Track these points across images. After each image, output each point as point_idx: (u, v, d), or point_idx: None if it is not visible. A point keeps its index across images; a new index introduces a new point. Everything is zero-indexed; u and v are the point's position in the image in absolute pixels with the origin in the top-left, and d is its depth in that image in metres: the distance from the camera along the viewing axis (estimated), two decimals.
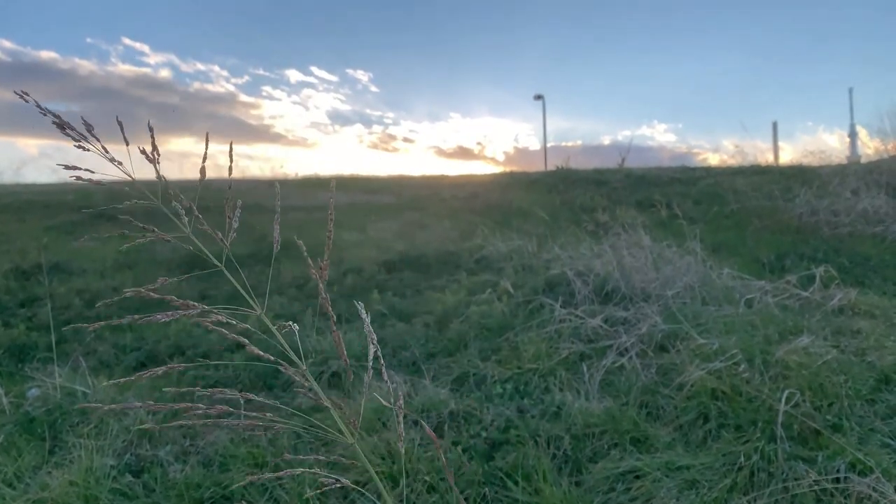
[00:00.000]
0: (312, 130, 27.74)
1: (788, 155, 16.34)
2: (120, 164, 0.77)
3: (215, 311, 0.74)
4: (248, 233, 8.27)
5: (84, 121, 0.76)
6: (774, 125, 16.45)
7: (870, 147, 13.46)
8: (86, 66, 26.03)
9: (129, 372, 3.54)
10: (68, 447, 2.53)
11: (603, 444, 2.42)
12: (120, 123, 0.75)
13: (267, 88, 27.91)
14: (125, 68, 26.43)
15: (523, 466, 2.24)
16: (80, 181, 0.78)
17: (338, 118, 28.23)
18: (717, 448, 2.32)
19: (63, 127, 0.74)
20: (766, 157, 14.88)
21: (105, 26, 27.58)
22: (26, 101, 0.72)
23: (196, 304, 0.74)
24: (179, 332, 4.03)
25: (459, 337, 3.73)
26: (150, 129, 0.80)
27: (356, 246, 6.93)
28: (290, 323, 0.77)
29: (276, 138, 27.08)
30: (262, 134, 27.39)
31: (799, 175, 10.49)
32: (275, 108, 26.98)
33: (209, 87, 27.38)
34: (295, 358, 0.75)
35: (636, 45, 28.37)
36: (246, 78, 27.66)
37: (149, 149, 0.77)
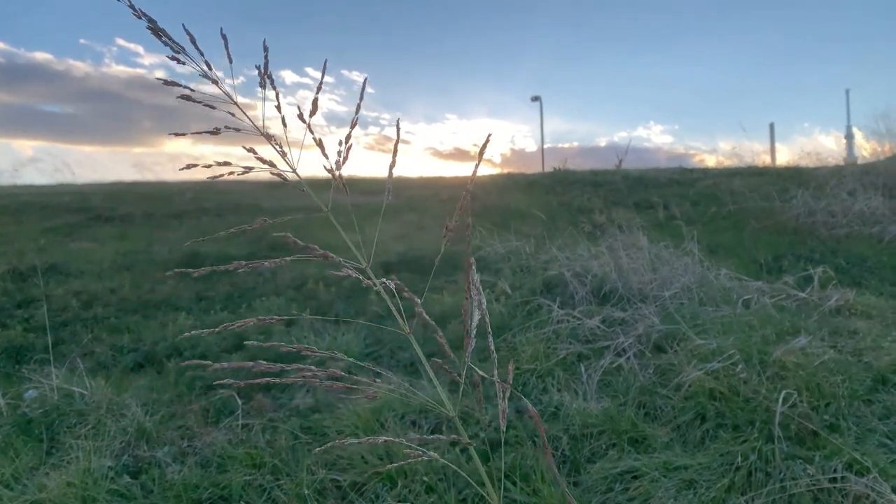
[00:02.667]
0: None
1: (785, 156, 16.35)
2: (283, 154, 0.75)
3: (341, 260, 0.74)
4: (246, 233, 8.27)
5: (186, 30, 0.73)
6: (771, 127, 16.48)
7: (866, 149, 13.49)
8: (80, 67, 25.99)
9: (126, 373, 3.53)
10: (66, 448, 2.52)
11: (601, 445, 2.43)
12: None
13: (261, 89, 27.84)
14: (120, 69, 26.39)
15: (521, 467, 2.24)
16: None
17: (334, 119, 28.18)
18: (714, 448, 2.32)
19: (158, 34, 0.72)
20: (763, 159, 14.90)
21: (99, 27, 27.55)
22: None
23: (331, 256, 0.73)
24: (177, 334, 4.03)
25: (457, 338, 3.73)
26: (314, 102, 0.77)
27: (355, 247, 6.93)
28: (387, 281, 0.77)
29: (273, 138, 27.02)
30: (257, 135, 27.34)
31: (796, 176, 10.51)
32: (270, 109, 26.90)
33: (204, 87, 27.33)
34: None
35: (632, 47, 28.40)
36: (241, 79, 27.59)
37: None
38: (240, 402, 2.93)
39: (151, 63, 26.25)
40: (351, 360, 0.73)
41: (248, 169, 0.75)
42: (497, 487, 0.72)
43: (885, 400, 2.56)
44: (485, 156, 0.79)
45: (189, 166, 0.76)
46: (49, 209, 10.53)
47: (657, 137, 26.13)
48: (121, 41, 25.91)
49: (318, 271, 5.79)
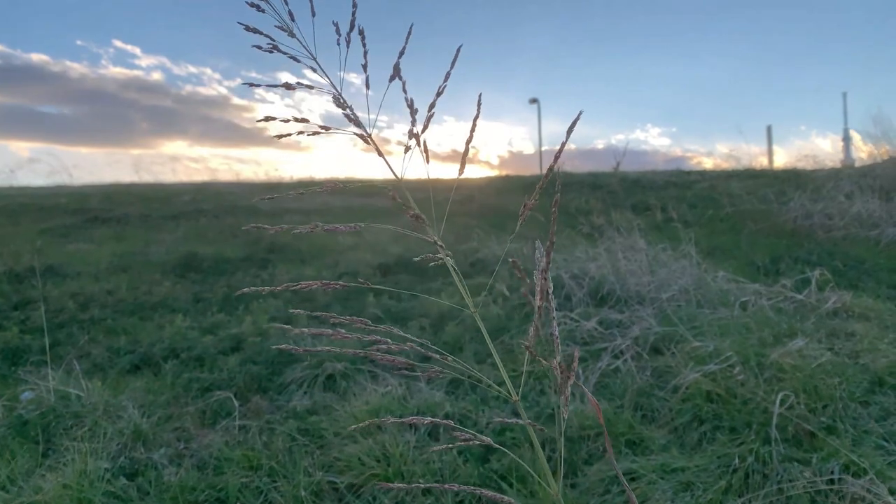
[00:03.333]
0: (304, 137, 27.68)
1: (782, 159, 16.38)
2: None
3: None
4: (244, 235, 8.26)
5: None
6: (769, 129, 16.50)
7: (863, 151, 13.52)
8: (77, 68, 25.97)
9: (123, 375, 3.52)
10: (62, 450, 2.52)
11: (598, 447, 2.42)
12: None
13: (260, 91, 27.87)
14: (117, 71, 26.37)
15: (518, 469, 2.24)
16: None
17: (331, 121, 28.00)
18: (711, 450, 2.32)
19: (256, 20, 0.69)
20: (761, 161, 14.93)
21: (96, 29, 27.53)
22: None
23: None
24: (174, 335, 4.02)
25: (455, 340, 3.73)
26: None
27: (352, 249, 6.93)
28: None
29: (270, 141, 27.03)
30: (255, 137, 27.38)
31: (793, 179, 10.53)
32: (268, 111, 26.91)
33: (201, 89, 27.35)
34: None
35: (629, 49, 28.44)
36: (238, 80, 27.65)
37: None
38: (237, 403, 2.92)
39: (149, 64, 26.25)
40: (419, 345, 0.72)
41: (326, 128, 0.74)
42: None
43: (882, 402, 2.56)
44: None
45: (267, 119, 0.74)
46: (46, 210, 10.52)
47: (654, 140, 26.18)
48: (118, 42, 25.91)
49: (315, 274, 5.79)
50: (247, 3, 0.68)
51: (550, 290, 0.70)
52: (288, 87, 0.74)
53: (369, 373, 3.22)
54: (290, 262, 6.53)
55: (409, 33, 0.75)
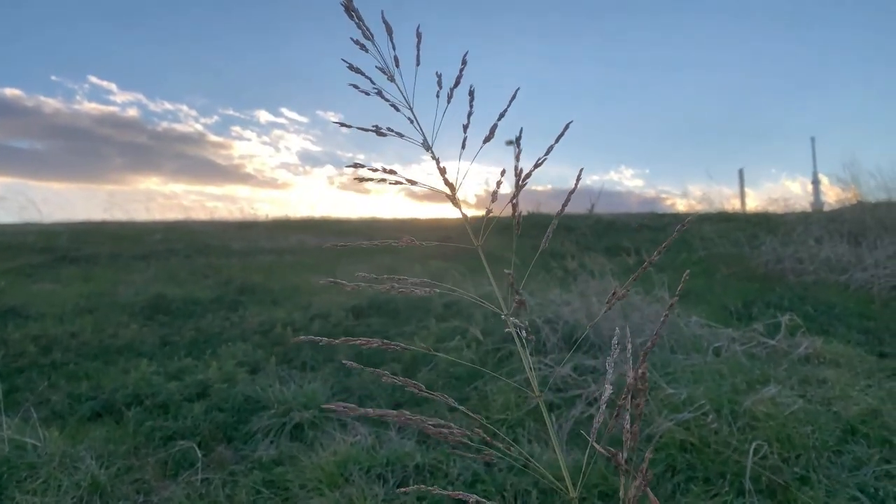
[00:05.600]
0: (283, 171, 27.68)
1: (753, 201, 16.70)
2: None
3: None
4: (214, 276, 8.14)
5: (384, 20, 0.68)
6: (741, 172, 16.83)
7: (831, 195, 13.82)
8: (51, 104, 25.76)
9: (83, 423, 3.40)
10: None
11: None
12: None
13: (237, 128, 27.89)
14: (91, 107, 26.19)
15: None
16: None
17: (308, 159, 28.21)
18: (685, 502, 2.28)
19: (350, 14, 0.66)
20: (733, 204, 15.19)
21: (71, 64, 27.42)
22: None
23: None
24: (138, 381, 3.90)
25: (428, 385, 3.66)
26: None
27: (324, 291, 6.85)
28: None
29: (247, 179, 26.98)
30: (231, 174, 27.26)
31: (764, 222, 10.71)
32: (245, 149, 26.92)
33: (177, 126, 27.27)
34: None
35: (603, 91, 29.00)
36: (215, 118, 27.62)
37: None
38: (200, 453, 2.83)
39: (124, 101, 26.16)
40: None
41: (413, 182, 0.72)
42: None
43: (854, 451, 2.54)
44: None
45: (356, 166, 0.72)
46: (12, 249, 10.31)
47: (628, 181, 26.55)
48: (93, 78, 25.79)
49: (286, 316, 5.70)
50: (352, 39, 0.66)
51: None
52: (379, 133, 0.72)
53: (338, 421, 3.14)
54: (261, 304, 6.43)
55: (513, 97, 0.74)
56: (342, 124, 0.75)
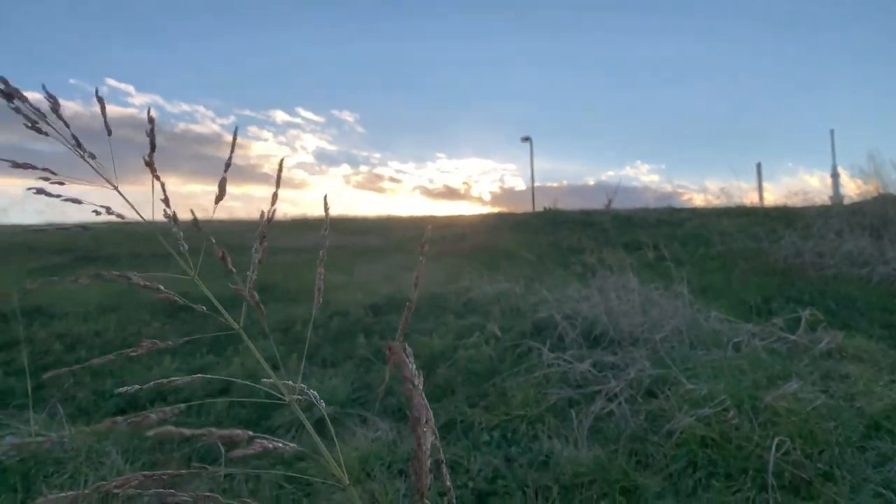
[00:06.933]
0: (299, 171, 27.82)
1: (771, 196, 16.53)
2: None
3: None
4: (235, 274, 8.20)
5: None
6: (758, 166, 16.65)
7: (851, 188, 13.66)
8: (70, 106, 26.02)
9: (107, 419, 3.45)
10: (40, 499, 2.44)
11: (592, 495, 2.37)
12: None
13: (253, 129, 28.06)
14: (110, 109, 26.38)
15: None
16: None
17: (324, 158, 28.33)
18: (707, 498, 2.28)
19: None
20: (751, 198, 15.04)
21: (89, 68, 27.73)
22: None
23: None
24: (162, 378, 3.95)
25: (446, 382, 3.68)
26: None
27: (342, 288, 6.89)
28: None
29: (264, 179, 27.14)
30: (248, 174, 27.43)
31: (783, 216, 10.61)
32: (261, 149, 27.09)
33: (195, 127, 27.49)
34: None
35: (618, 85, 28.85)
36: (231, 118, 27.83)
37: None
38: (223, 449, 2.86)
39: (142, 103, 26.41)
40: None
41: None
42: None
43: (878, 447, 2.52)
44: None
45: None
46: (36, 250, 10.45)
47: (644, 176, 26.39)
48: (111, 81, 26.06)
49: (305, 313, 5.74)
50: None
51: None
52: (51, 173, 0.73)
53: (359, 417, 3.16)
54: (280, 302, 6.47)
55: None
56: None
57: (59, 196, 0.70)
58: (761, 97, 27.20)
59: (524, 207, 17.67)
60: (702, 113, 27.91)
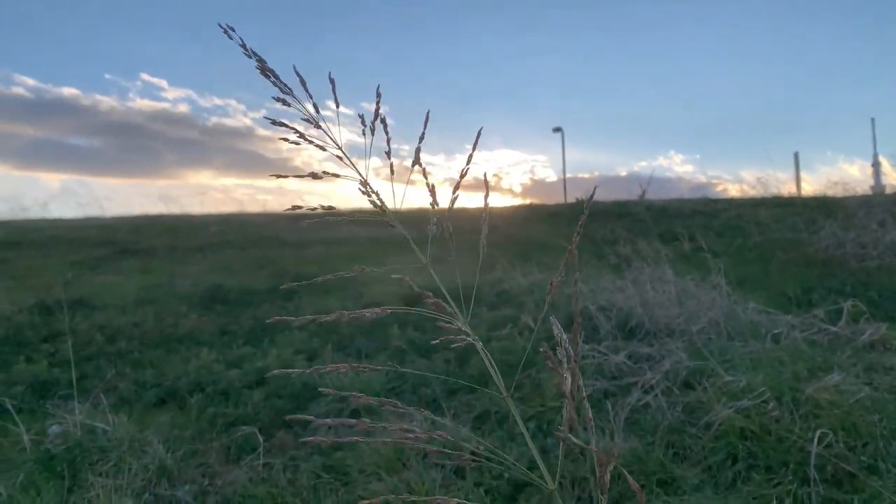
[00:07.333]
0: (330, 164, 28.03)
1: (809, 186, 16.20)
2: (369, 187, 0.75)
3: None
4: (270, 266, 8.31)
5: (297, 72, 0.74)
6: (796, 156, 16.34)
7: (893, 177, 13.32)
8: (106, 101, 26.64)
9: (148, 409, 3.53)
10: (87, 486, 2.51)
11: (626, 487, 2.35)
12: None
13: (284, 122, 28.31)
14: (144, 103, 26.98)
15: None
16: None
17: (354, 151, 28.47)
18: (747, 491, 2.25)
19: (267, 74, 0.73)
20: (789, 189, 14.76)
21: (124, 63, 28.27)
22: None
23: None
24: (200, 369, 4.02)
25: (480, 373, 3.68)
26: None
27: (376, 281, 6.93)
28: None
29: (295, 171, 27.42)
30: (280, 167, 27.76)
31: (823, 207, 10.38)
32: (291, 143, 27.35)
33: (227, 121, 27.86)
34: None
35: (650, 76, 28.47)
36: (263, 112, 28.14)
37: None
38: (261, 439, 2.90)
39: (175, 97, 26.82)
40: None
41: (353, 215, 0.79)
42: None
43: None
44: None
45: (294, 208, 0.77)
46: (76, 242, 10.70)
47: (678, 167, 26.08)
48: (145, 76, 26.55)
49: (340, 304, 5.78)
50: (273, 97, 0.70)
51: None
52: (315, 177, 0.76)
53: (394, 408, 3.18)
54: (315, 294, 6.54)
55: (427, 119, 0.76)
56: (278, 175, 0.80)
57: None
58: (799, 85, 26.65)
59: (556, 199, 17.57)
60: (737, 102, 27.45)
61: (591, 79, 28.80)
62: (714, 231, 9.43)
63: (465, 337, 0.68)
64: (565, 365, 0.67)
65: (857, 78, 25.16)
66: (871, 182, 15.05)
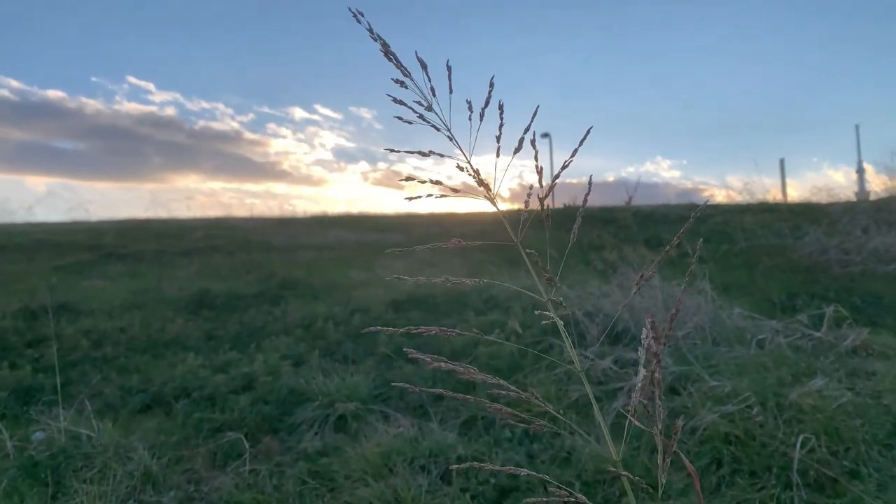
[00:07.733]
0: (318, 168, 28.01)
1: (794, 192, 16.32)
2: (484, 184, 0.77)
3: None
4: (257, 271, 8.28)
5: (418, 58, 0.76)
6: (782, 162, 16.45)
7: (877, 184, 13.47)
8: (92, 104, 26.45)
9: (134, 414, 3.51)
10: (71, 493, 2.49)
11: (614, 491, 2.37)
12: None
13: (272, 126, 28.23)
14: (131, 106, 26.81)
15: None
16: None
17: (343, 155, 28.51)
18: (731, 495, 2.27)
19: (390, 57, 0.76)
20: (774, 195, 14.86)
21: (110, 65, 28.10)
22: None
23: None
24: (186, 374, 4.00)
25: (466, 380, 3.69)
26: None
27: (364, 285, 6.92)
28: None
29: (283, 176, 27.34)
30: (268, 171, 27.67)
31: (807, 213, 10.48)
32: (280, 146, 27.29)
33: (214, 124, 27.75)
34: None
35: (637, 81, 28.65)
36: (251, 115, 28.05)
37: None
38: (247, 445, 2.89)
39: (162, 100, 26.69)
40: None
41: (456, 190, 0.84)
42: None
43: None
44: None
45: (408, 178, 0.80)
46: (62, 247, 10.61)
47: (665, 172, 26.21)
48: (132, 79, 26.39)
49: (327, 310, 5.77)
50: (392, 80, 0.73)
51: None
52: (423, 154, 0.79)
53: (380, 413, 3.18)
54: (302, 299, 6.53)
55: (535, 113, 0.83)
56: (392, 150, 0.84)
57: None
58: (784, 92, 26.89)
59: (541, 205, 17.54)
60: (724, 108, 27.65)
61: (580, 84, 28.93)
62: (700, 237, 9.46)
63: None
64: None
65: (843, 84, 25.41)
66: (856, 188, 15.20)
